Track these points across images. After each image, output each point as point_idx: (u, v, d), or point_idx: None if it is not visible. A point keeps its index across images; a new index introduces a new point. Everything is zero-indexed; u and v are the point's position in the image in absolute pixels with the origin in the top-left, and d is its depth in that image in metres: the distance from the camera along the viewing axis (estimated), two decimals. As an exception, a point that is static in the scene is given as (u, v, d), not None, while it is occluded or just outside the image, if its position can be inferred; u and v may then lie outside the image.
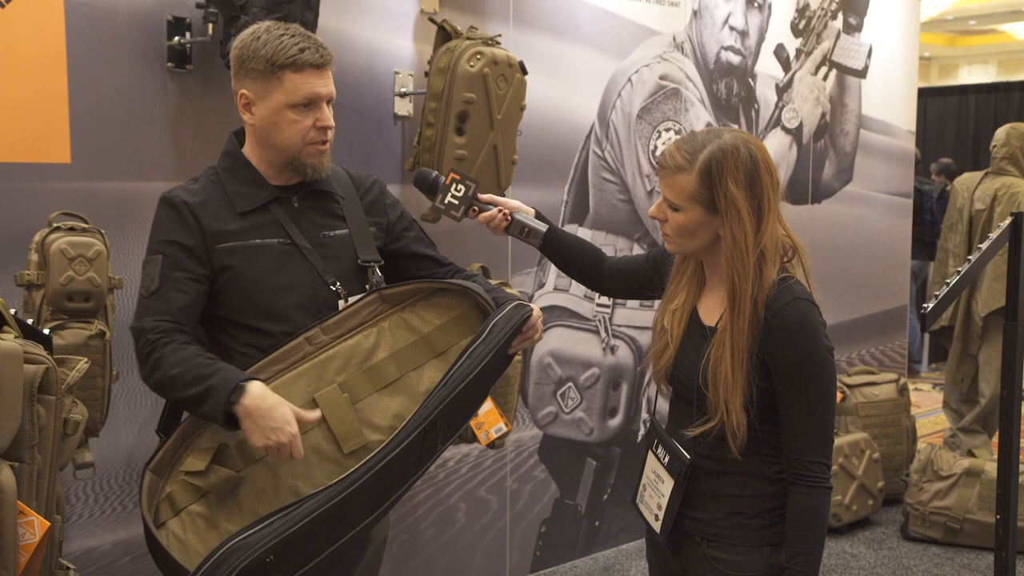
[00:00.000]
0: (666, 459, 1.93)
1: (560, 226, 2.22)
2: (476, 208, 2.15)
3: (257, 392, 1.79)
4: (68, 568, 1.97)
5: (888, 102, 5.31)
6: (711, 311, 1.91)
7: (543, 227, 2.17)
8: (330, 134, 1.97)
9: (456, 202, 2.13)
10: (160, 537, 1.81)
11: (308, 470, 1.86)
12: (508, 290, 3.06)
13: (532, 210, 2.20)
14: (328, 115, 1.95)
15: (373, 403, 1.92)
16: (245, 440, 1.86)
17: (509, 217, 2.15)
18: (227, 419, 1.80)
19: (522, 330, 1.94)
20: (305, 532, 1.70)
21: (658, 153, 3.98)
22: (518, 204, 2.18)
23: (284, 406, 1.79)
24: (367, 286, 2.03)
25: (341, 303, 1.98)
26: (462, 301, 1.98)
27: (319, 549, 1.76)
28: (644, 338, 4.02)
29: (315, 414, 1.84)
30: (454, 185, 2.13)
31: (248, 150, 2.01)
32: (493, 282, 3.12)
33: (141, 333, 1.90)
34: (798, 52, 4.72)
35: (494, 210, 2.14)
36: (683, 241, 1.88)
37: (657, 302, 2.07)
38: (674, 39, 4.08)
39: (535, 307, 1.99)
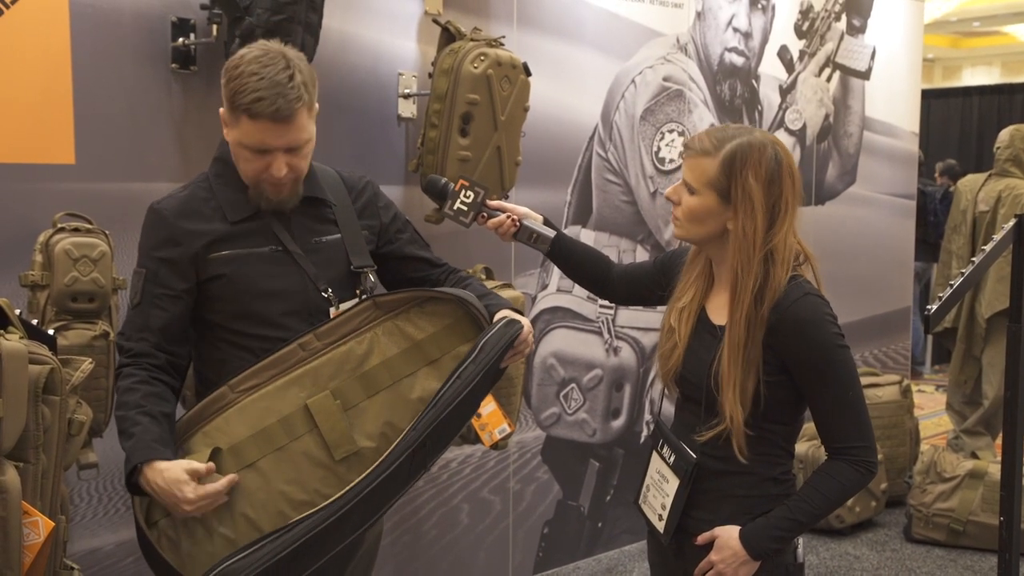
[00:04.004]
0: (672, 459, 1.94)
1: (563, 227, 2.22)
2: (485, 214, 2.14)
3: (148, 474, 1.78)
4: (72, 568, 1.97)
5: (892, 104, 5.31)
6: (720, 310, 1.91)
7: (551, 233, 2.17)
8: (287, 177, 1.90)
9: (465, 208, 2.13)
10: (152, 536, 1.81)
11: (299, 475, 1.86)
12: (510, 291, 3.08)
13: (540, 216, 2.20)
14: (280, 165, 1.87)
15: (365, 409, 1.91)
16: (238, 444, 1.86)
17: (518, 223, 2.14)
18: (132, 488, 1.82)
19: (513, 345, 1.93)
20: (295, 554, 1.72)
21: (660, 154, 3.98)
22: (526, 210, 2.18)
23: (172, 486, 1.75)
24: (358, 291, 2.02)
25: (332, 310, 1.97)
26: (456, 310, 1.97)
27: (308, 566, 1.78)
28: (647, 339, 4.02)
29: (207, 467, 1.80)
30: (463, 191, 2.12)
31: None
32: (495, 283, 3.13)
33: (120, 350, 1.95)
34: (801, 54, 4.72)
35: (503, 216, 2.14)
36: (690, 227, 1.89)
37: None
38: (677, 40, 4.09)
39: (526, 321, 1.96)
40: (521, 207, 2.18)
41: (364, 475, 1.78)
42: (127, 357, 1.92)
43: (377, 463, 1.79)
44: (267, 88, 1.82)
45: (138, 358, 1.91)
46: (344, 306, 1.98)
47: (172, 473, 1.77)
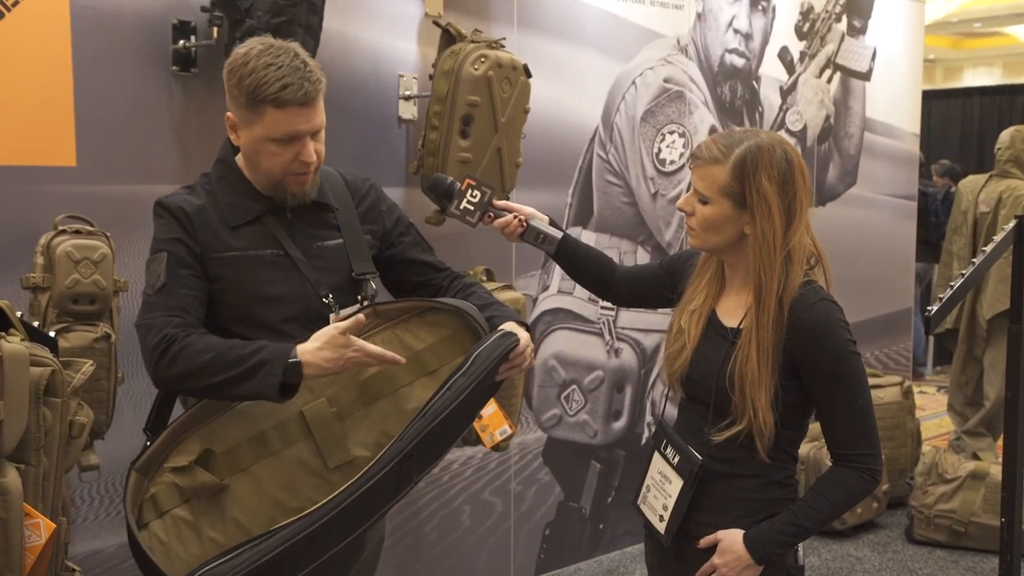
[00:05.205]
0: (675, 459, 1.93)
1: (564, 229, 2.21)
2: (491, 214, 2.13)
3: (308, 357, 1.78)
4: (74, 570, 1.98)
5: (892, 105, 5.31)
6: (731, 313, 1.91)
7: (558, 234, 2.16)
8: (315, 163, 1.91)
9: (472, 208, 2.12)
10: (142, 539, 1.79)
11: (292, 482, 1.85)
12: (511, 293, 3.08)
13: (546, 217, 2.19)
14: (310, 150, 1.89)
15: (361, 418, 1.89)
16: (233, 448, 1.85)
17: (525, 224, 2.13)
18: (282, 391, 1.78)
19: (508, 358, 1.89)
20: (276, 561, 1.69)
21: (661, 155, 3.98)
22: (533, 211, 2.17)
23: (326, 340, 1.78)
24: (359, 296, 2.01)
25: (333, 317, 1.95)
26: (456, 320, 1.95)
27: (294, 572, 1.74)
28: (648, 341, 4.02)
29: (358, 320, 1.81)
30: (469, 191, 2.11)
31: (242, 160, 1.98)
32: (496, 284, 3.13)
33: (151, 329, 1.82)
34: (802, 55, 4.72)
35: (509, 216, 2.12)
36: (707, 236, 1.88)
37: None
38: (678, 42, 4.09)
39: (523, 335, 1.93)
40: (527, 207, 2.17)
41: (348, 484, 1.76)
42: (171, 329, 1.81)
43: (361, 472, 1.77)
44: (290, 75, 1.83)
45: (184, 328, 1.83)
46: (344, 312, 1.96)
47: (323, 337, 1.78)
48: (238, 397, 1.83)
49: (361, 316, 1.82)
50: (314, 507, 1.74)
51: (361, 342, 1.80)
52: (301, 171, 1.90)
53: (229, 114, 1.90)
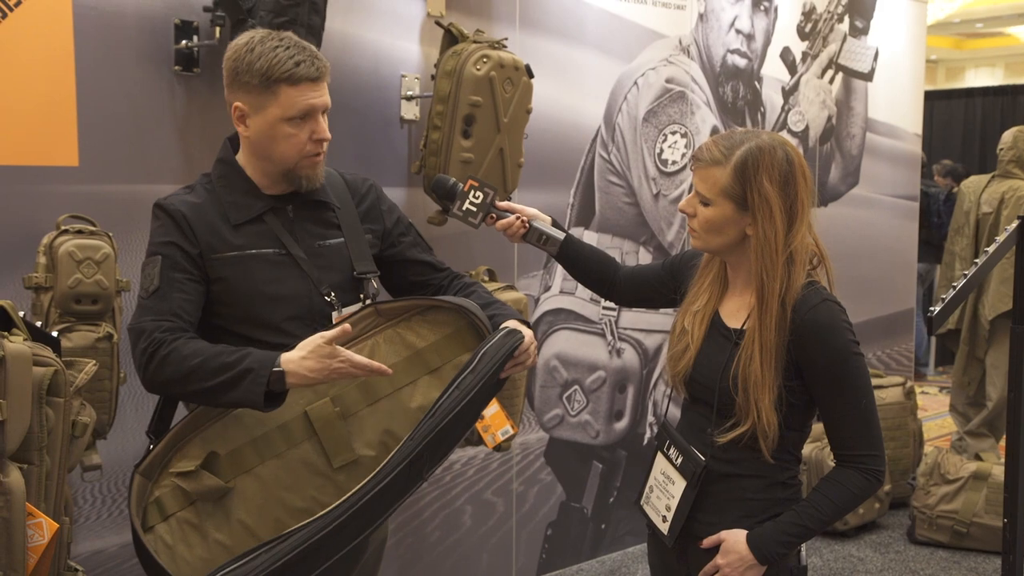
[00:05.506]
0: (679, 460, 1.93)
1: (566, 229, 2.21)
2: (494, 215, 2.13)
3: (292, 367, 1.77)
4: (76, 570, 1.98)
5: (894, 105, 5.31)
6: (734, 314, 1.91)
7: (560, 235, 2.16)
8: (325, 145, 1.94)
9: (474, 209, 2.12)
10: (148, 542, 1.79)
11: (297, 483, 1.85)
12: (513, 293, 3.08)
13: (549, 218, 2.19)
14: (324, 127, 1.92)
15: (364, 418, 1.89)
16: (237, 449, 1.85)
17: (527, 224, 2.14)
18: (267, 400, 1.77)
19: (514, 355, 1.89)
20: (290, 564, 1.69)
21: (663, 155, 3.98)
22: (535, 212, 2.17)
23: (311, 350, 1.77)
24: (361, 295, 2.01)
25: (335, 315, 1.96)
26: (458, 319, 1.95)
27: (305, 574, 1.75)
28: (650, 341, 4.02)
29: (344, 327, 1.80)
30: (472, 192, 2.11)
31: (243, 159, 1.98)
32: (497, 284, 3.13)
33: (141, 333, 1.83)
34: (804, 55, 4.72)
35: (512, 217, 2.13)
36: (709, 237, 1.88)
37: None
38: (680, 42, 4.09)
39: (528, 332, 1.93)
40: (530, 208, 2.17)
41: (360, 485, 1.76)
42: (159, 333, 1.82)
43: (373, 473, 1.77)
44: (299, 53, 1.88)
45: (172, 332, 1.83)
46: (346, 311, 1.97)
47: (308, 346, 1.77)
48: (225, 404, 1.83)
49: (347, 325, 1.81)
50: (329, 508, 1.74)
51: (347, 352, 1.78)
52: (315, 152, 1.92)
53: (238, 103, 1.90)
